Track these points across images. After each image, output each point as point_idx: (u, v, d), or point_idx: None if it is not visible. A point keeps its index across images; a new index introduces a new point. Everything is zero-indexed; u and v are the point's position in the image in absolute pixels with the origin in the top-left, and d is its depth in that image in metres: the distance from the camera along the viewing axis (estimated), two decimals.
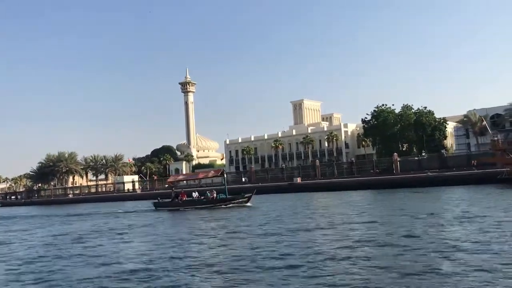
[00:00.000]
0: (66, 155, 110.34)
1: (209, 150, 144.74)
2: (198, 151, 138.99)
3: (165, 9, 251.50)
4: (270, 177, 72.51)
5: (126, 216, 33.81)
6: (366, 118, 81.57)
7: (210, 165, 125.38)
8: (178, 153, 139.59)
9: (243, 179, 63.53)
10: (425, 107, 78.00)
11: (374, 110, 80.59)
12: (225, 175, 41.84)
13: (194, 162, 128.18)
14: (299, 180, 63.34)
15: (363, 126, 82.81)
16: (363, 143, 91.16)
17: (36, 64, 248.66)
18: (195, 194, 39.34)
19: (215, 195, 36.73)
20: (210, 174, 42.98)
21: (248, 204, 35.49)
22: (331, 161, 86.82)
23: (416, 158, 66.72)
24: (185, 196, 38.64)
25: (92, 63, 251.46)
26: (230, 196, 37.09)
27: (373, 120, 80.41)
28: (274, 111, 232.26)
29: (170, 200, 39.30)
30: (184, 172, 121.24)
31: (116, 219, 31.07)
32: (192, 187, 68.51)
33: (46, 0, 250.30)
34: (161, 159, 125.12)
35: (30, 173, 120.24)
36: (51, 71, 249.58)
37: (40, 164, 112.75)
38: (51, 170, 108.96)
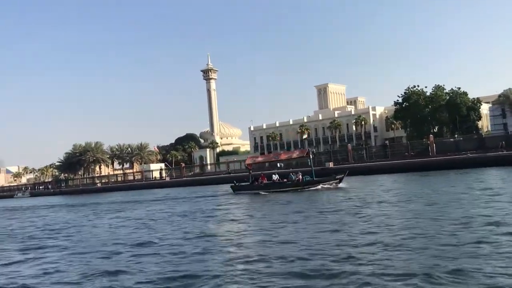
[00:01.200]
0: (93, 145, 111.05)
1: (232, 137, 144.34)
2: (221, 138, 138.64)
3: None
4: (300, 162, 71.57)
5: (211, 200, 32.40)
6: (398, 100, 79.88)
7: (234, 152, 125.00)
8: (202, 140, 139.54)
9: (278, 165, 62.67)
10: (459, 88, 76.00)
11: (405, 92, 78.87)
12: (311, 155, 38.97)
13: (217, 149, 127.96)
14: (331, 164, 62.36)
15: (395, 108, 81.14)
16: (392, 126, 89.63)
17: (60, 56, 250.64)
18: (275, 177, 37.22)
19: (300, 177, 34.48)
20: (295, 155, 40.05)
21: (341, 185, 33.06)
22: (360, 145, 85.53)
23: (451, 139, 65.10)
24: (265, 179, 36.94)
25: (115, 52, 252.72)
26: (318, 178, 34.57)
27: (404, 102, 78.72)
28: (295, 96, 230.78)
29: (248, 183, 37.35)
30: (208, 160, 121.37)
31: (206, 203, 29.51)
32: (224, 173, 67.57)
33: None
34: (186, 146, 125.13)
35: (57, 163, 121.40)
36: (73, 62, 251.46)
37: (67, 154, 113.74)
38: (78, 160, 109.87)
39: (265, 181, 36.35)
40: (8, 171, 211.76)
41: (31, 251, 14.00)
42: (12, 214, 37.06)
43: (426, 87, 78.84)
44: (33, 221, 26.49)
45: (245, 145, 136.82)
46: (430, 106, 76.41)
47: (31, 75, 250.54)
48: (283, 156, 41.98)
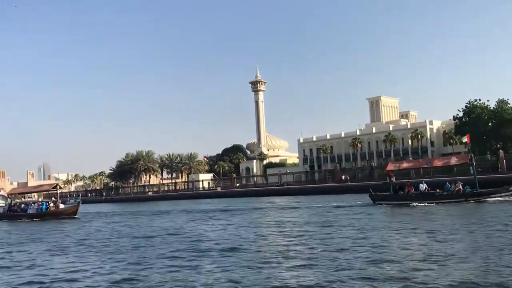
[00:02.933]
0: (144, 153, 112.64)
1: (278, 149, 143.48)
2: (268, 150, 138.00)
3: (236, 8, 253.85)
4: (361, 176, 69.92)
5: (351, 209, 29.99)
6: (457, 115, 77.00)
7: (281, 164, 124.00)
8: (248, 152, 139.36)
9: (343, 177, 61.34)
10: None
11: (466, 106, 75.93)
12: (474, 162, 33.27)
13: (265, 161, 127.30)
14: (394, 179, 60.32)
15: (455, 123, 78.21)
16: (451, 140, 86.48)
17: (108, 67, 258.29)
18: (423, 186, 32.64)
19: (461, 187, 30.49)
20: (453, 161, 34.75)
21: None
22: (418, 159, 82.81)
23: None
24: (412, 188, 32.75)
25: (165, 63, 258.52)
26: (483, 190, 30.26)
27: (465, 116, 75.75)
28: (343, 109, 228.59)
29: (389, 193, 33.71)
30: (254, 171, 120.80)
31: (351, 214, 26.69)
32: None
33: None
34: (233, 157, 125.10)
35: (109, 171, 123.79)
36: (125, 73, 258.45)
37: (119, 163, 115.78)
38: (130, 168, 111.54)
39: (412, 191, 32.34)
40: (56, 179, 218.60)
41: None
42: (103, 217, 36.89)
43: (488, 100, 75.79)
44: (141, 226, 26.27)
45: (292, 157, 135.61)
46: (494, 121, 73.14)
47: (82, 86, 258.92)
48: (438, 163, 37.41)
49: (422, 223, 19.59)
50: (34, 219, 36.44)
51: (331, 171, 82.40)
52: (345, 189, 59.26)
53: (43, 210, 37.87)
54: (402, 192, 32.57)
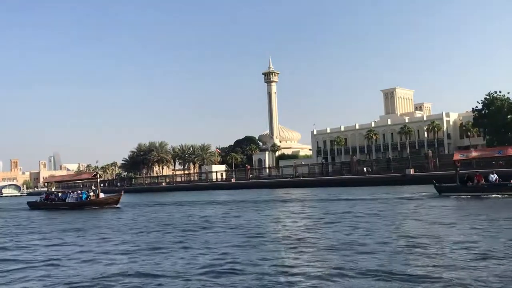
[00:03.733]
0: (157, 144, 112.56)
1: (291, 140, 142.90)
2: (280, 141, 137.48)
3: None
4: (377, 168, 69.31)
5: (411, 201, 28.31)
6: (477, 106, 75.92)
7: (294, 156, 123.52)
8: (260, 143, 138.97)
9: (364, 169, 60.77)
10: None
11: (486, 98, 74.77)
12: None
13: (277, 153, 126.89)
14: (412, 171, 59.81)
15: (474, 115, 77.13)
16: (468, 133, 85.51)
17: (120, 58, 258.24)
18: (493, 176, 30.58)
19: None
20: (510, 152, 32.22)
21: None
22: (434, 152, 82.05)
23: None
24: (482, 179, 30.68)
25: (178, 55, 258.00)
26: None
27: (484, 109, 74.65)
28: (356, 101, 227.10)
29: (456, 184, 31.71)
30: (267, 163, 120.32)
31: (418, 204, 25.50)
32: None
33: None
34: (247, 148, 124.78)
35: (122, 161, 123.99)
36: (137, 65, 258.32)
37: (132, 153, 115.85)
38: (143, 159, 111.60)
39: (482, 182, 30.47)
40: (67, 169, 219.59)
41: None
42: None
43: (508, 93, 74.56)
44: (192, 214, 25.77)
45: (304, 149, 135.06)
46: None
47: (94, 76, 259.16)
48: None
49: None
50: (74, 209, 35.30)
51: (346, 163, 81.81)
52: (365, 181, 58.71)
53: (83, 199, 36.88)
54: (471, 183, 30.73)
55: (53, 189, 47.34)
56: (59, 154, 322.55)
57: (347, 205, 27.70)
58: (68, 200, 37.80)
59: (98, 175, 41.31)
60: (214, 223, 20.50)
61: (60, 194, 40.92)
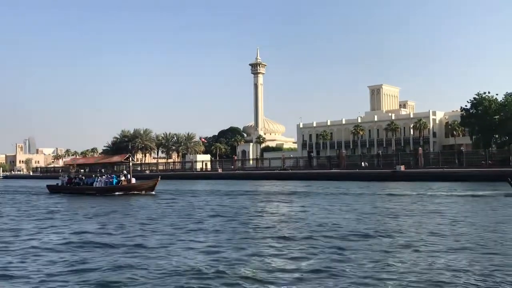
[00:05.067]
0: (142, 131, 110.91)
1: (275, 133, 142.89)
2: (264, 133, 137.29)
3: None
4: (366, 164, 69.56)
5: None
6: (466, 106, 76.96)
7: (278, 148, 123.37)
8: (245, 134, 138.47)
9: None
10: None
11: (474, 98, 75.85)
12: None
13: (262, 145, 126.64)
14: (402, 168, 60.12)
15: (461, 114, 78.22)
16: (454, 132, 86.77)
17: (105, 41, 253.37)
18: None
19: None
20: None
21: None
22: (416, 149, 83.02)
23: None
24: None
25: (164, 43, 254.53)
26: None
27: (473, 108, 75.73)
28: (341, 96, 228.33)
29: None
30: (251, 155, 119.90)
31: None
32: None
33: None
34: (232, 139, 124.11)
35: (104, 147, 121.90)
36: (122, 49, 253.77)
37: (115, 139, 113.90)
38: (126, 145, 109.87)
39: None
40: (44, 154, 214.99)
41: None
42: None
43: (497, 94, 75.83)
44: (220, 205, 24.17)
45: (288, 142, 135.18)
46: (501, 114, 73.23)
47: (72, 59, 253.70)
48: None
49: None
50: (103, 194, 33.41)
51: (333, 157, 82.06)
52: (355, 176, 58.66)
53: (113, 184, 34.46)
54: None
55: (72, 172, 42.79)
56: (34, 138, 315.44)
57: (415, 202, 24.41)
58: (96, 184, 35.43)
59: (130, 159, 37.64)
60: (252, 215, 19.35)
61: (84, 178, 38.24)
